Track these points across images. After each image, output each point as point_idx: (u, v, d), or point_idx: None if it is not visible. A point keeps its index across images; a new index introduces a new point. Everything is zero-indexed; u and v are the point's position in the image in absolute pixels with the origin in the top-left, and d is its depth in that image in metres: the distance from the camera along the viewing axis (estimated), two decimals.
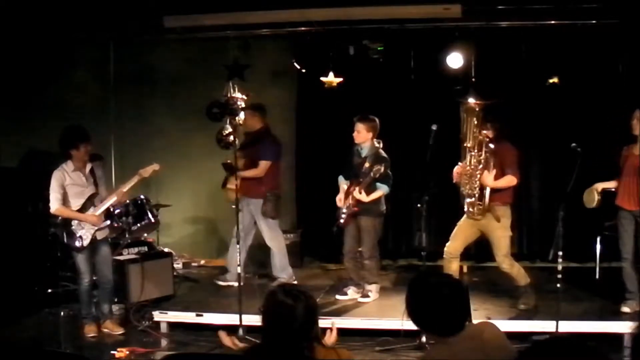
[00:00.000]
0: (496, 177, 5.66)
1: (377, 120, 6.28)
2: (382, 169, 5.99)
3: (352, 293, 6.39)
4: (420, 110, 7.73)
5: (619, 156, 5.79)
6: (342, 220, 6.25)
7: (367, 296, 6.31)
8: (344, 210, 6.23)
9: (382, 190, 6.20)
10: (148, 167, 5.99)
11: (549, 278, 5.67)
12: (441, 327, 2.52)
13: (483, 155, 5.59)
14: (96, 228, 5.86)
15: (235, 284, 6.42)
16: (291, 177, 8.70)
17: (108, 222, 6.03)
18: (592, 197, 5.74)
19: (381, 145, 6.27)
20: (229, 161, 6.69)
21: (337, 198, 6.31)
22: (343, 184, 6.36)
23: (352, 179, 6.23)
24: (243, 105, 7.62)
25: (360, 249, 6.38)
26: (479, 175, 5.61)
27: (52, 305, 6.44)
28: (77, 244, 5.82)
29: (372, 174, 5.99)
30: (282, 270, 6.96)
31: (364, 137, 6.21)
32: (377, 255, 6.50)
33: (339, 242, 6.52)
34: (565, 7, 6.75)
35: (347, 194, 6.22)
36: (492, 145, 5.56)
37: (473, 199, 5.68)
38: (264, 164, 6.80)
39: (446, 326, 2.51)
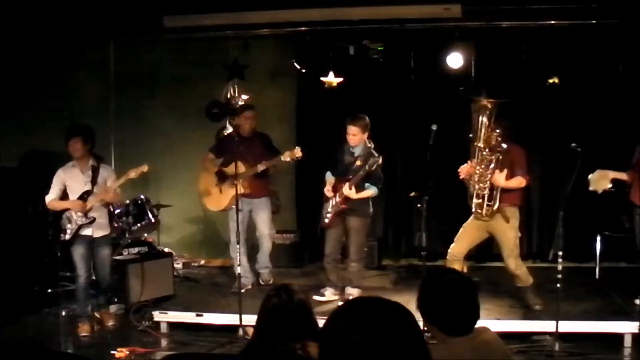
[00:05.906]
0: (506, 178, 5.57)
1: (367, 117, 6.14)
2: (380, 160, 5.90)
3: (329, 295, 6.26)
4: (420, 110, 7.72)
5: (633, 152, 5.83)
6: (326, 220, 6.19)
7: None
8: (329, 210, 6.15)
9: (371, 190, 6.11)
10: (138, 167, 6.00)
11: (549, 278, 5.65)
12: (454, 326, 2.49)
13: (495, 155, 5.49)
14: (80, 223, 5.87)
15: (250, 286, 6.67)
16: (291, 177, 8.69)
17: (92, 217, 5.97)
18: (604, 182, 5.66)
19: (372, 145, 6.17)
20: (222, 169, 6.69)
21: (325, 189, 6.19)
22: (331, 178, 6.26)
23: (341, 176, 6.11)
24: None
25: (341, 252, 6.31)
26: (489, 175, 5.53)
27: (52, 305, 6.45)
28: (61, 236, 5.92)
29: (367, 166, 5.87)
30: (266, 265, 7.00)
31: (360, 139, 6.07)
32: (364, 257, 6.44)
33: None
34: (565, 7, 6.75)
35: (335, 190, 6.12)
36: (504, 145, 5.46)
37: (481, 200, 5.60)
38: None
39: (459, 326, 2.49)
